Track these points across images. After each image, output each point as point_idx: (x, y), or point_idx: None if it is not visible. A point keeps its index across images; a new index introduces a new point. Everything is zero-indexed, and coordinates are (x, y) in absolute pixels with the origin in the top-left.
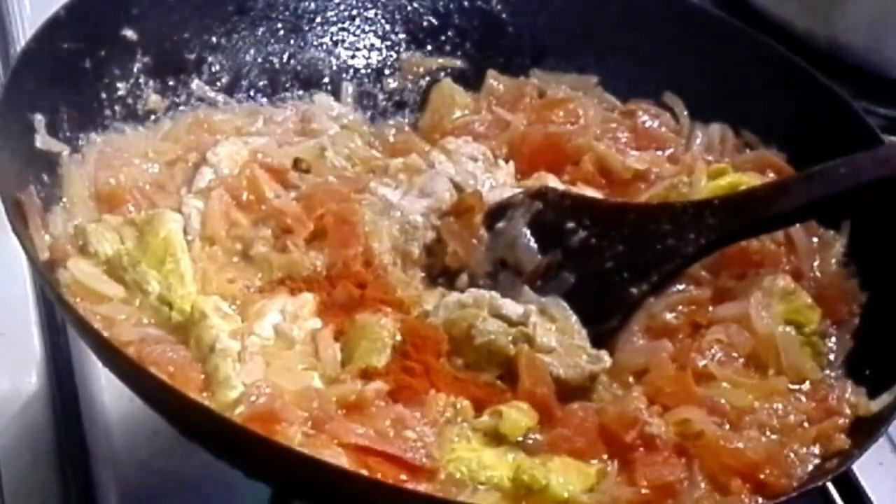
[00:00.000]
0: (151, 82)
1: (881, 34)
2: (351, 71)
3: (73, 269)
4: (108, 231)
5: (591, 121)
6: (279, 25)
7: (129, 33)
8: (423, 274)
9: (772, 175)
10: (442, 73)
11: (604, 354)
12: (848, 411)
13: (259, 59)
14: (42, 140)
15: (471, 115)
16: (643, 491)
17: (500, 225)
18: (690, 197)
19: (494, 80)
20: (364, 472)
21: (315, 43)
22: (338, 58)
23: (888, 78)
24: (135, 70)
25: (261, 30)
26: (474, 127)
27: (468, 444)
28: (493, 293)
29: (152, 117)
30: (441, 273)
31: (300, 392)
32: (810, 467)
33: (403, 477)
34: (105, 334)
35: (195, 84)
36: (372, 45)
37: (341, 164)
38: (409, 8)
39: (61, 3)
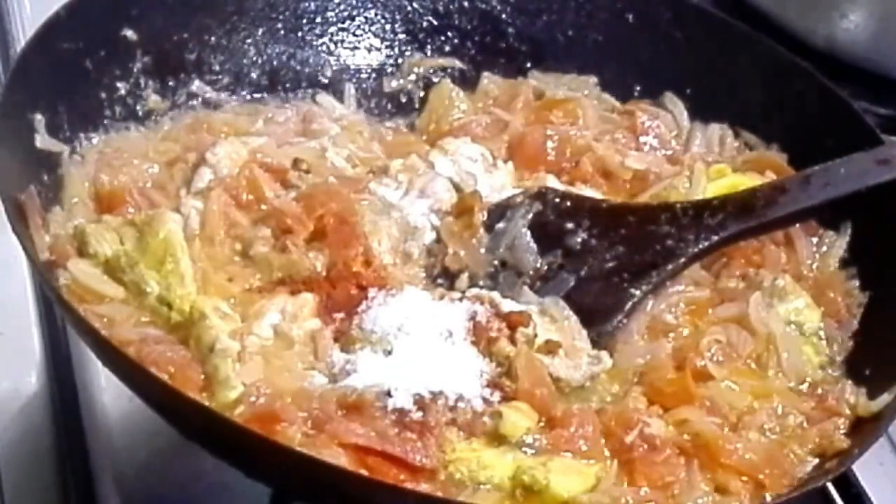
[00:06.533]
0: (151, 82)
1: (881, 34)
2: (351, 71)
3: (72, 269)
4: (107, 232)
5: (591, 121)
6: (279, 26)
7: (129, 33)
8: (423, 274)
9: (771, 175)
10: (442, 74)
11: (604, 355)
12: (848, 411)
13: (259, 60)
14: (42, 140)
15: (469, 115)
16: (643, 491)
17: (500, 225)
18: (690, 197)
19: (489, 82)
20: (364, 472)
21: (315, 43)
22: (338, 58)
23: (888, 78)
24: (135, 70)
25: (261, 30)
26: (473, 128)
27: (468, 445)
28: (494, 294)
29: (152, 118)
30: (441, 274)
31: (300, 392)
32: (810, 467)
33: (403, 477)
34: (105, 334)
35: (195, 84)
36: (372, 45)
37: (341, 165)
38: (409, 8)
39: (61, 3)
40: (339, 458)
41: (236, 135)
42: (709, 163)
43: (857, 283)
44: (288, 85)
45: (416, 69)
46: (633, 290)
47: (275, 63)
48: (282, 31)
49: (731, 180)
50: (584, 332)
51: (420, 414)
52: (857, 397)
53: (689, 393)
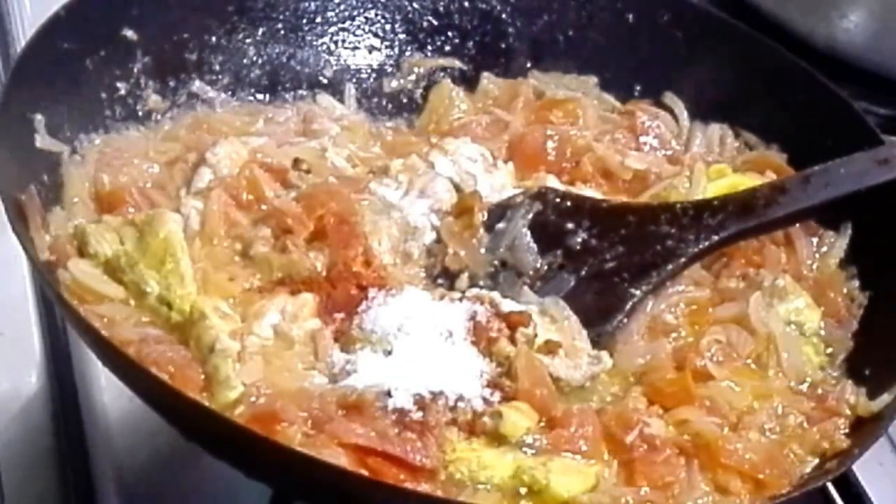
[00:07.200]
0: (151, 82)
1: (881, 34)
2: (351, 71)
3: (73, 269)
4: (107, 232)
5: (591, 121)
6: (279, 26)
7: (129, 33)
8: (423, 274)
9: (772, 175)
10: (442, 74)
11: (604, 355)
12: (848, 411)
13: (259, 60)
14: (42, 140)
15: (469, 115)
16: (643, 491)
17: (500, 226)
18: (690, 197)
19: (489, 82)
20: (364, 472)
21: (315, 43)
22: (338, 58)
23: (888, 78)
24: (135, 70)
25: (261, 30)
26: (473, 128)
27: (468, 445)
28: (494, 294)
29: (152, 117)
30: (441, 273)
31: (300, 392)
32: (810, 467)
33: (403, 477)
34: (105, 334)
35: (195, 84)
36: (372, 45)
37: (341, 165)
38: (409, 8)
39: (61, 3)
40: (339, 458)
41: (236, 135)
42: (709, 163)
43: (857, 283)
44: (288, 85)
45: (416, 69)
46: (633, 290)
47: (275, 63)
48: (282, 31)
49: (731, 180)
50: (584, 332)
51: (420, 414)
52: (857, 397)
53: (689, 393)
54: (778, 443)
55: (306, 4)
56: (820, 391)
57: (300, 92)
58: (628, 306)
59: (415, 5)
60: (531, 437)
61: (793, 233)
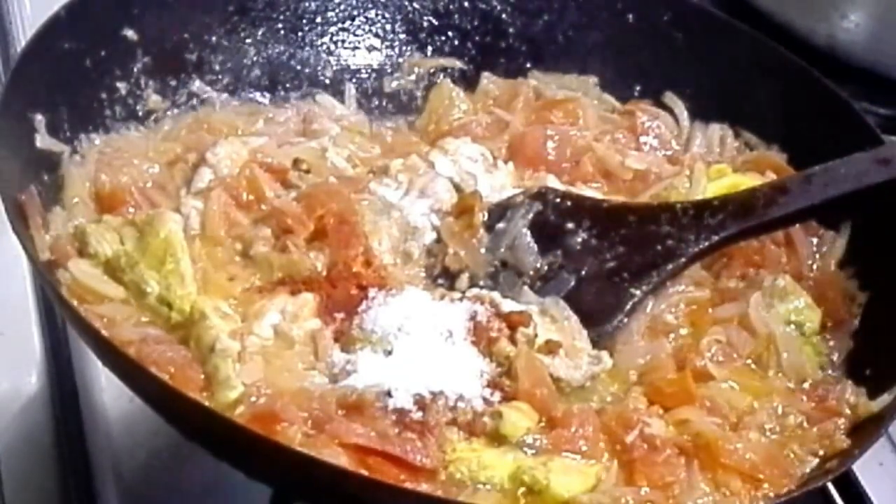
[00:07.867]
0: (151, 82)
1: (881, 34)
2: (351, 71)
3: (73, 269)
4: (107, 232)
5: (591, 121)
6: (279, 26)
7: (129, 33)
8: (423, 274)
9: (771, 175)
10: (442, 74)
11: (604, 355)
12: (848, 411)
13: (259, 60)
14: (42, 140)
15: (469, 115)
16: (643, 491)
17: (501, 226)
18: (690, 197)
19: (489, 82)
20: (364, 472)
21: (315, 43)
22: (338, 58)
23: (888, 78)
24: (135, 70)
25: (261, 30)
26: (473, 128)
27: (468, 445)
28: (494, 293)
29: (152, 117)
30: (441, 274)
31: (300, 392)
32: (810, 467)
33: (403, 477)
34: (105, 334)
35: (195, 84)
36: (372, 45)
37: (341, 165)
38: (410, 8)
39: (61, 3)
40: (340, 458)
41: (236, 135)
42: (709, 163)
43: (857, 283)
44: (288, 85)
45: (416, 69)
46: (633, 290)
47: (275, 63)
48: (282, 31)
49: (731, 180)
50: (585, 332)
51: (420, 414)
52: (857, 397)
53: (690, 393)
54: (778, 443)
55: (306, 4)
56: (820, 391)
57: (300, 92)
58: (628, 306)
59: (415, 5)
60: (531, 437)
61: (793, 233)
